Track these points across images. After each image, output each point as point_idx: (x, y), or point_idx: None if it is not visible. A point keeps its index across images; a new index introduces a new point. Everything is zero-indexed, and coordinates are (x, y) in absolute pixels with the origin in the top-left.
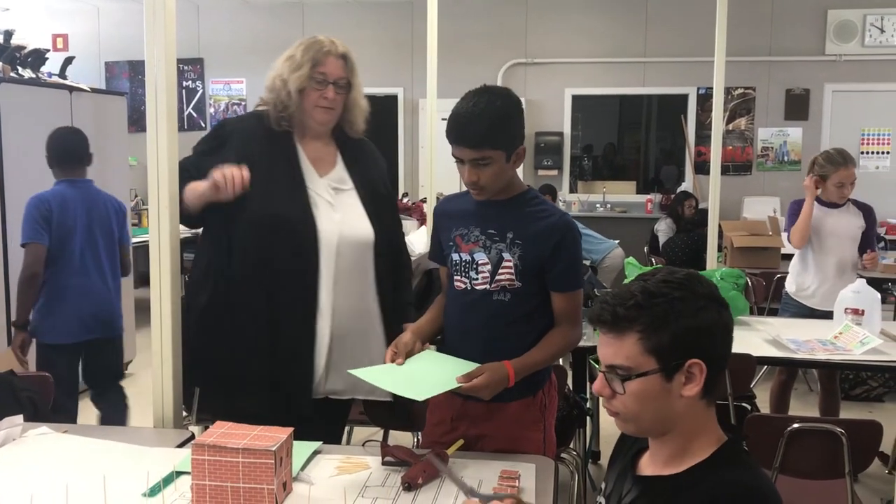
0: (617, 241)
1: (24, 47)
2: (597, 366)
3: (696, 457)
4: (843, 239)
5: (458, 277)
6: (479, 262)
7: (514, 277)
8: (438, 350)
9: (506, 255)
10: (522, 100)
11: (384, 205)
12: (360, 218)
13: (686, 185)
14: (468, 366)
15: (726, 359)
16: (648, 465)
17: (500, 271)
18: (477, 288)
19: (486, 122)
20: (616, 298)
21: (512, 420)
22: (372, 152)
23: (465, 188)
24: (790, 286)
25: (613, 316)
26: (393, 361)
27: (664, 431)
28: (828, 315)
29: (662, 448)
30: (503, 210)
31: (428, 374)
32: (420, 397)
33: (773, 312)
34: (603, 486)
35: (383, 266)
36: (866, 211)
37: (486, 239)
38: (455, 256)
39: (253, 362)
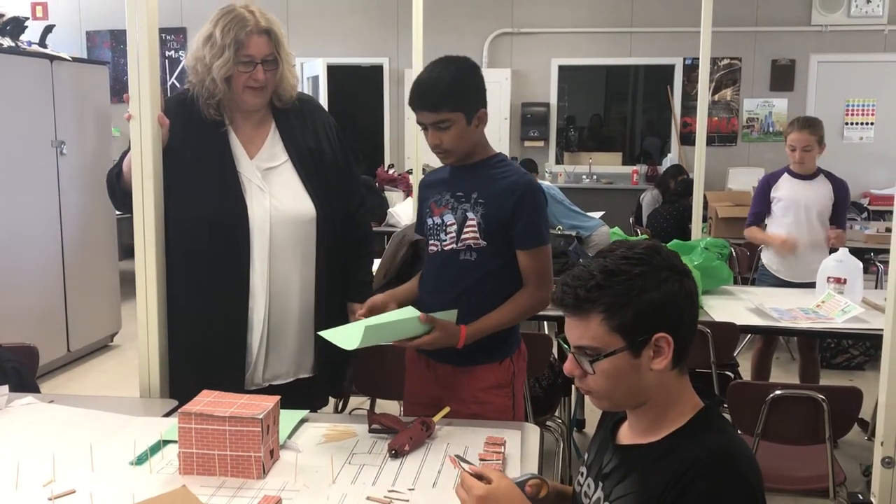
0: (601, 216)
1: (2, 15)
2: (566, 346)
3: (673, 424)
4: (813, 211)
5: (432, 241)
6: (448, 223)
7: (478, 236)
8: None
9: (470, 215)
10: (508, 70)
11: (330, 174)
12: (296, 195)
13: (672, 156)
14: (419, 326)
15: (693, 326)
16: (627, 435)
17: (465, 230)
18: (445, 248)
19: (443, 85)
20: (576, 280)
21: (477, 383)
22: (309, 114)
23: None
24: (766, 258)
25: (575, 298)
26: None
27: (639, 404)
28: (803, 287)
29: (640, 419)
30: (472, 173)
31: (385, 330)
32: (348, 347)
33: None
34: (586, 455)
35: (331, 242)
36: (838, 184)
37: (455, 201)
38: (429, 221)
39: (185, 350)
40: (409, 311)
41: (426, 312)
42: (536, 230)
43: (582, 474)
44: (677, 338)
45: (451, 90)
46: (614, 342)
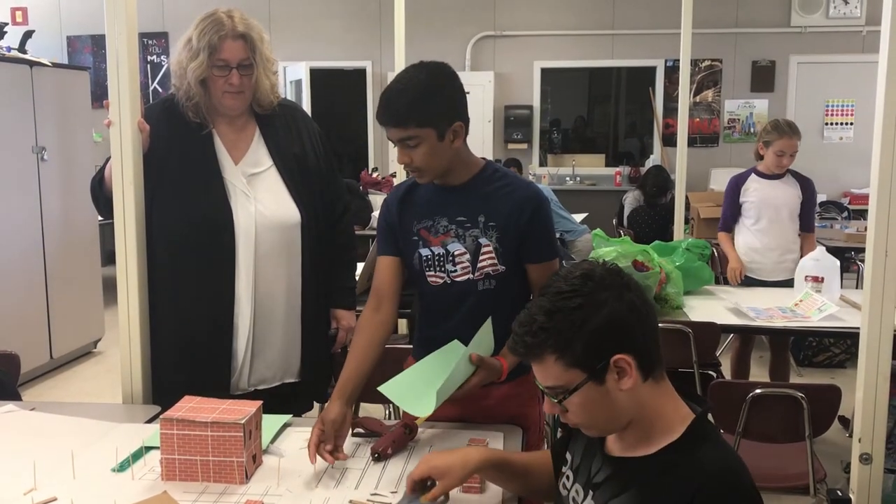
0: (584, 218)
1: None
2: (538, 384)
3: (665, 437)
4: (784, 211)
5: (432, 273)
6: (456, 252)
7: (496, 262)
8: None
9: (483, 241)
10: (491, 73)
11: (314, 179)
12: (281, 201)
13: (654, 158)
14: (468, 366)
15: (652, 334)
16: (616, 446)
17: (482, 258)
18: (458, 280)
19: (407, 98)
20: (522, 327)
21: (510, 398)
22: (293, 120)
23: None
24: None
25: (525, 346)
26: (318, 450)
27: (626, 423)
28: (777, 285)
29: (629, 433)
30: (467, 193)
31: (435, 381)
32: (424, 413)
33: None
34: (569, 457)
35: (316, 247)
36: (804, 182)
37: (457, 227)
38: (425, 252)
39: (171, 356)
40: (453, 353)
41: (444, 347)
42: (549, 243)
43: (568, 478)
44: (637, 353)
45: (417, 104)
46: (575, 377)
